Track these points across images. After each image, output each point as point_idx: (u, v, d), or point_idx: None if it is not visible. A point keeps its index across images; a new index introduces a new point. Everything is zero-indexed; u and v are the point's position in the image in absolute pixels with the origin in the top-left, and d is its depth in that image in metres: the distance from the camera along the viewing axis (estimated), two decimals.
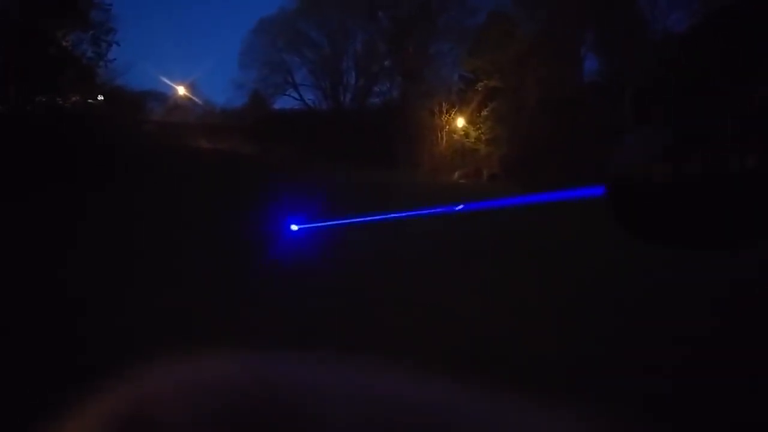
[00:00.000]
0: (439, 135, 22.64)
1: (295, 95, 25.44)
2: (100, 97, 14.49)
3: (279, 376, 0.34)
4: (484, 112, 22.00)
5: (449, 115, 22.59)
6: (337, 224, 9.47)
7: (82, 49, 12.28)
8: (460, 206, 11.94)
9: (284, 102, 25.76)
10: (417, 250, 8.69)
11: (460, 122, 22.63)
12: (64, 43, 11.39)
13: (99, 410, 0.31)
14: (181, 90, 23.36)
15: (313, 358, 0.35)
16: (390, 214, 8.91)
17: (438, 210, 10.42)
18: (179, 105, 23.69)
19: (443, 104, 22.54)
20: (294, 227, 8.71)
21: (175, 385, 0.32)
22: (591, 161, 18.95)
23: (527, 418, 0.35)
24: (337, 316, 5.14)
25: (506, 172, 20.96)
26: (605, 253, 8.39)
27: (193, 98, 23.98)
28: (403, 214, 9.57)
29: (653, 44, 19.95)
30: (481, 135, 22.11)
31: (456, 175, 21.92)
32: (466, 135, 22.50)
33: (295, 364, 0.36)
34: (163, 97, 23.31)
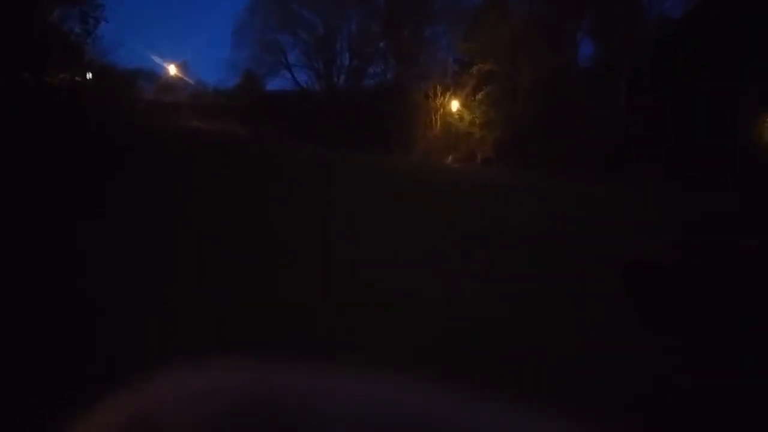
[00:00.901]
0: (434, 118, 22.51)
1: (288, 76, 25.18)
2: (89, 76, 14.27)
3: (279, 386, 0.34)
4: (479, 96, 21.90)
5: (444, 99, 22.46)
6: None
7: (69, 25, 12.08)
8: None
9: (277, 83, 25.51)
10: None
11: (455, 106, 22.50)
12: (50, 19, 11.18)
13: (101, 418, 0.32)
14: (173, 69, 23.09)
15: (313, 367, 0.35)
16: None
17: None
18: (170, 84, 23.42)
19: (438, 87, 22.40)
20: None
21: (176, 394, 0.33)
22: (583, 146, 18.93)
23: (523, 424, 0.35)
24: None
25: (500, 156, 20.94)
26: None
27: (185, 78, 23.72)
28: None
29: (648, 31, 19.84)
30: (476, 119, 22.03)
31: (449, 158, 21.85)
32: (461, 118, 22.41)
33: (294, 374, 0.36)
34: (154, 76, 23.03)
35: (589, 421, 0.36)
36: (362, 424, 0.31)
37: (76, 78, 12.83)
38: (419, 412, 0.33)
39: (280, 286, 6.47)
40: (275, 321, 5.24)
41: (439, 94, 22.26)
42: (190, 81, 23.99)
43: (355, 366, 0.35)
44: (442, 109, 22.37)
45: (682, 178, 15.02)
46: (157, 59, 22.83)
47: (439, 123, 22.35)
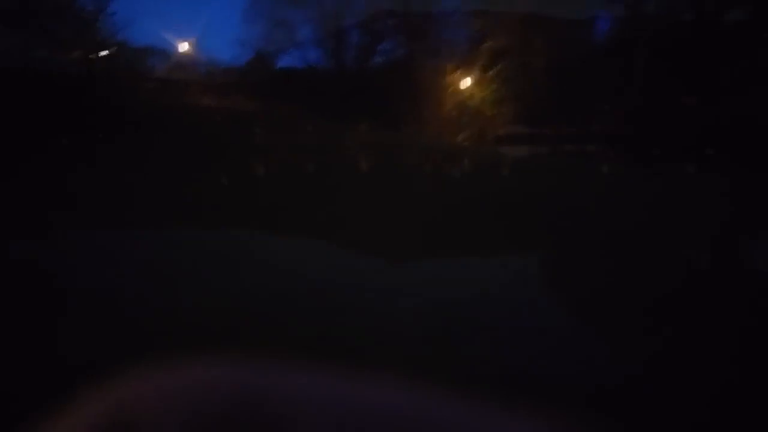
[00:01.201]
0: (445, 96, 22.29)
1: (299, 54, 24.98)
2: (103, 53, 14.24)
3: (261, 383, 0.34)
4: (491, 73, 21.62)
5: (455, 76, 22.20)
6: None
7: (82, 1, 12.03)
8: None
9: (287, 60, 25.30)
10: None
11: (467, 83, 22.25)
12: None
13: (80, 413, 0.31)
14: (184, 46, 22.94)
15: (296, 364, 0.35)
16: None
17: None
18: (181, 62, 23.32)
19: (449, 65, 22.12)
20: None
21: (156, 389, 0.32)
22: (597, 125, 18.58)
23: (504, 423, 0.35)
24: None
25: (510, 133, 20.77)
26: None
27: (196, 55, 23.56)
28: None
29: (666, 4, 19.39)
30: (487, 96, 21.78)
31: (460, 137, 21.68)
32: (472, 96, 22.17)
33: (278, 370, 0.35)
34: (166, 53, 22.91)
35: (564, 421, 0.35)
36: (342, 425, 0.30)
37: (89, 56, 12.82)
38: (401, 413, 0.32)
39: None
40: None
41: (451, 72, 22.01)
42: (202, 58, 23.87)
43: (338, 366, 0.34)
44: (453, 87, 22.15)
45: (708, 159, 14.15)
46: (168, 37, 22.69)
47: (450, 100, 22.15)
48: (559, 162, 14.51)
